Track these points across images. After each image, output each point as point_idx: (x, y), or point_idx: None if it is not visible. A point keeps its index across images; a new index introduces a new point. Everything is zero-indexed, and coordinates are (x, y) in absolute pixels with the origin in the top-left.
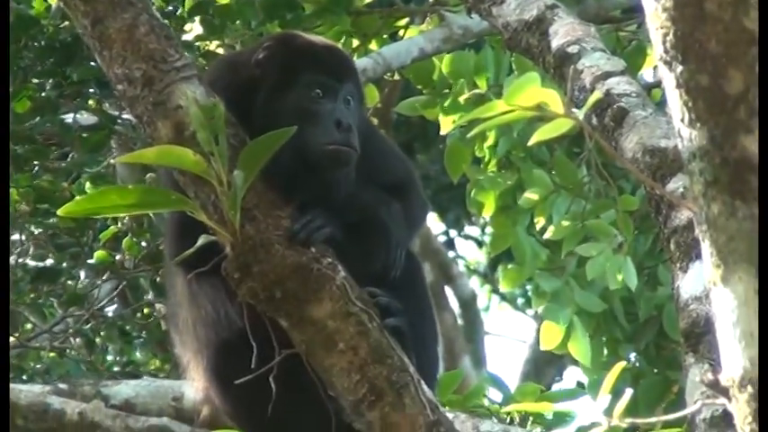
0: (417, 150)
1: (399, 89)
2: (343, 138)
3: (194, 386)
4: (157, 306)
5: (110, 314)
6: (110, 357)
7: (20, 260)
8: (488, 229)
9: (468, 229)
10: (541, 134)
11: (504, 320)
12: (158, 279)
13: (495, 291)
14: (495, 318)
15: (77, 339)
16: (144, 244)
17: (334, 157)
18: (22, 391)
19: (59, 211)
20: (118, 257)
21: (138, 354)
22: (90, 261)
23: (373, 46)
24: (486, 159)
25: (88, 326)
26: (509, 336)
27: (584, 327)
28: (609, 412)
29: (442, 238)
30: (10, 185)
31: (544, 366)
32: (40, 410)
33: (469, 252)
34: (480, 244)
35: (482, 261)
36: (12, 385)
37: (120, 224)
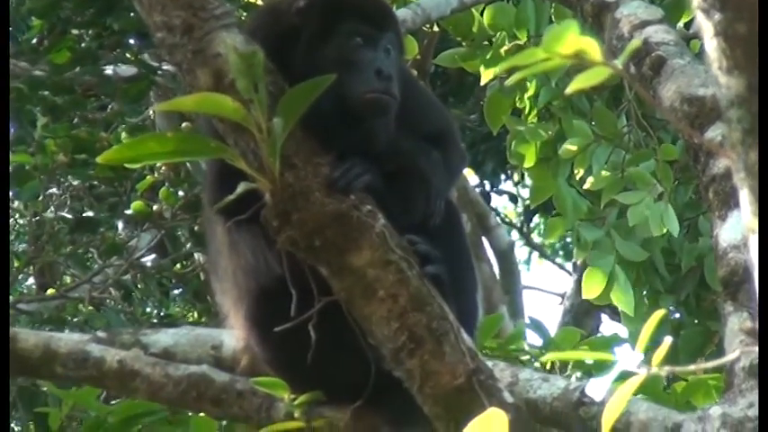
0: (453, 103)
1: (436, 41)
2: (383, 86)
3: (234, 334)
4: (196, 256)
5: (148, 264)
6: (148, 309)
7: (58, 213)
8: (524, 183)
9: (504, 185)
10: (580, 82)
11: (541, 275)
12: (197, 228)
13: (529, 244)
14: (531, 272)
15: (115, 291)
16: (181, 193)
17: (373, 105)
18: (62, 340)
19: (98, 159)
20: (155, 207)
21: (176, 307)
22: (128, 212)
23: None
24: (527, 110)
25: (127, 275)
26: (545, 289)
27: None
28: (649, 361)
29: (478, 191)
30: (48, 136)
31: (583, 318)
32: (80, 359)
33: (504, 207)
34: (515, 198)
35: (517, 215)
36: (51, 334)
37: (156, 174)
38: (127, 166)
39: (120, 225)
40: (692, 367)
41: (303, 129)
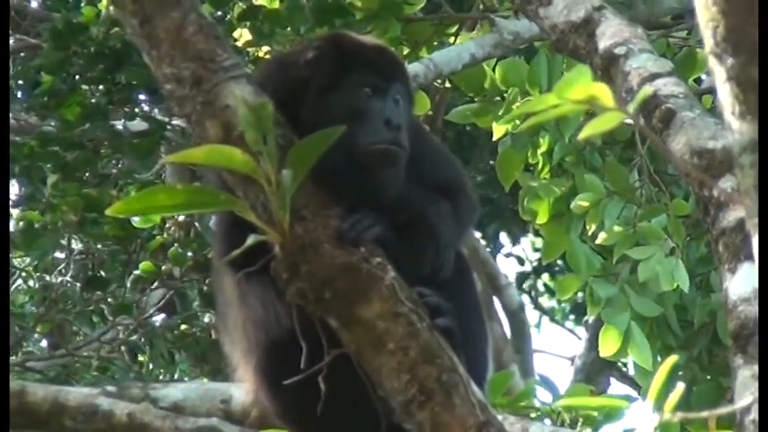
0: None
1: (447, 98)
2: (392, 136)
3: (243, 386)
4: (206, 318)
5: (157, 323)
6: (160, 371)
7: (67, 273)
8: (528, 243)
9: (509, 248)
10: (591, 128)
11: (550, 339)
12: (205, 289)
13: (539, 308)
14: (541, 335)
15: (123, 347)
16: (190, 254)
17: (382, 155)
18: (71, 393)
19: (108, 211)
20: (164, 268)
21: (182, 369)
22: (136, 272)
23: (423, 53)
24: (540, 166)
25: (135, 336)
26: (555, 353)
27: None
28: (659, 409)
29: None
30: (58, 195)
31: (595, 376)
32: (89, 412)
33: (511, 269)
34: (521, 261)
35: (523, 275)
36: (60, 387)
37: (166, 234)
38: (136, 225)
39: (129, 284)
40: (704, 414)
41: (312, 180)
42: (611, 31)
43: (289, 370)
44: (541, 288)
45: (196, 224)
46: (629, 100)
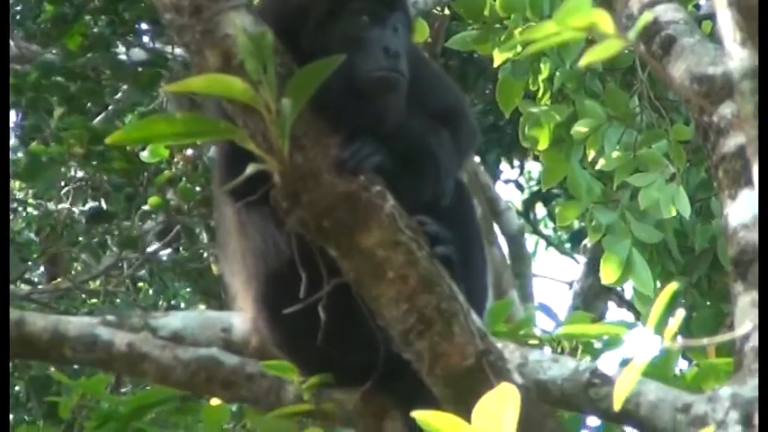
0: None
1: (447, 24)
2: (391, 64)
3: (243, 316)
4: (207, 252)
5: (164, 258)
6: (160, 302)
7: (72, 204)
8: (531, 166)
9: (508, 173)
10: (591, 55)
11: (548, 264)
12: (212, 223)
13: (536, 232)
14: (537, 262)
15: (129, 284)
16: (198, 189)
17: (382, 83)
18: (71, 323)
19: (107, 140)
20: (172, 203)
21: (181, 295)
22: (145, 207)
23: None
24: (541, 93)
25: (143, 272)
26: (554, 277)
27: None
28: (660, 333)
29: None
30: (64, 128)
31: (593, 301)
32: (89, 342)
33: (510, 196)
34: (521, 187)
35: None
36: (59, 317)
37: (174, 168)
38: (144, 159)
39: (137, 219)
40: (704, 341)
41: (312, 109)
42: None
43: (288, 300)
44: (540, 215)
45: (204, 158)
46: (630, 26)
